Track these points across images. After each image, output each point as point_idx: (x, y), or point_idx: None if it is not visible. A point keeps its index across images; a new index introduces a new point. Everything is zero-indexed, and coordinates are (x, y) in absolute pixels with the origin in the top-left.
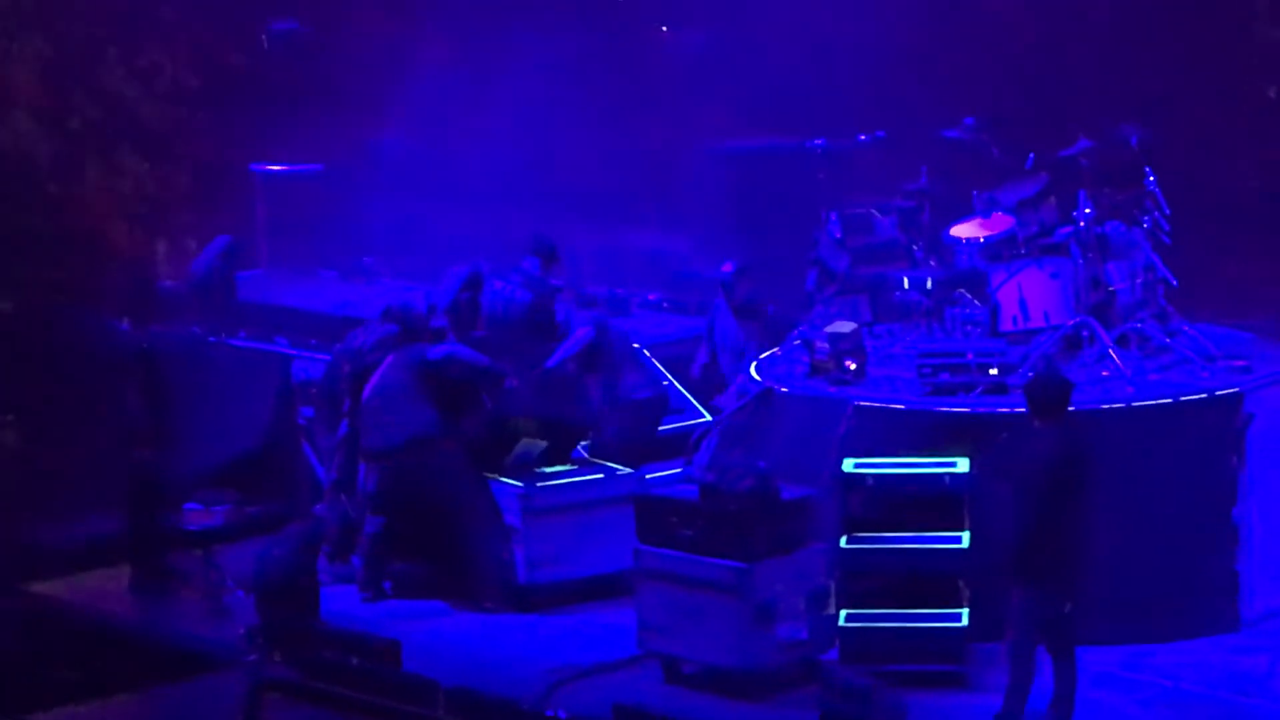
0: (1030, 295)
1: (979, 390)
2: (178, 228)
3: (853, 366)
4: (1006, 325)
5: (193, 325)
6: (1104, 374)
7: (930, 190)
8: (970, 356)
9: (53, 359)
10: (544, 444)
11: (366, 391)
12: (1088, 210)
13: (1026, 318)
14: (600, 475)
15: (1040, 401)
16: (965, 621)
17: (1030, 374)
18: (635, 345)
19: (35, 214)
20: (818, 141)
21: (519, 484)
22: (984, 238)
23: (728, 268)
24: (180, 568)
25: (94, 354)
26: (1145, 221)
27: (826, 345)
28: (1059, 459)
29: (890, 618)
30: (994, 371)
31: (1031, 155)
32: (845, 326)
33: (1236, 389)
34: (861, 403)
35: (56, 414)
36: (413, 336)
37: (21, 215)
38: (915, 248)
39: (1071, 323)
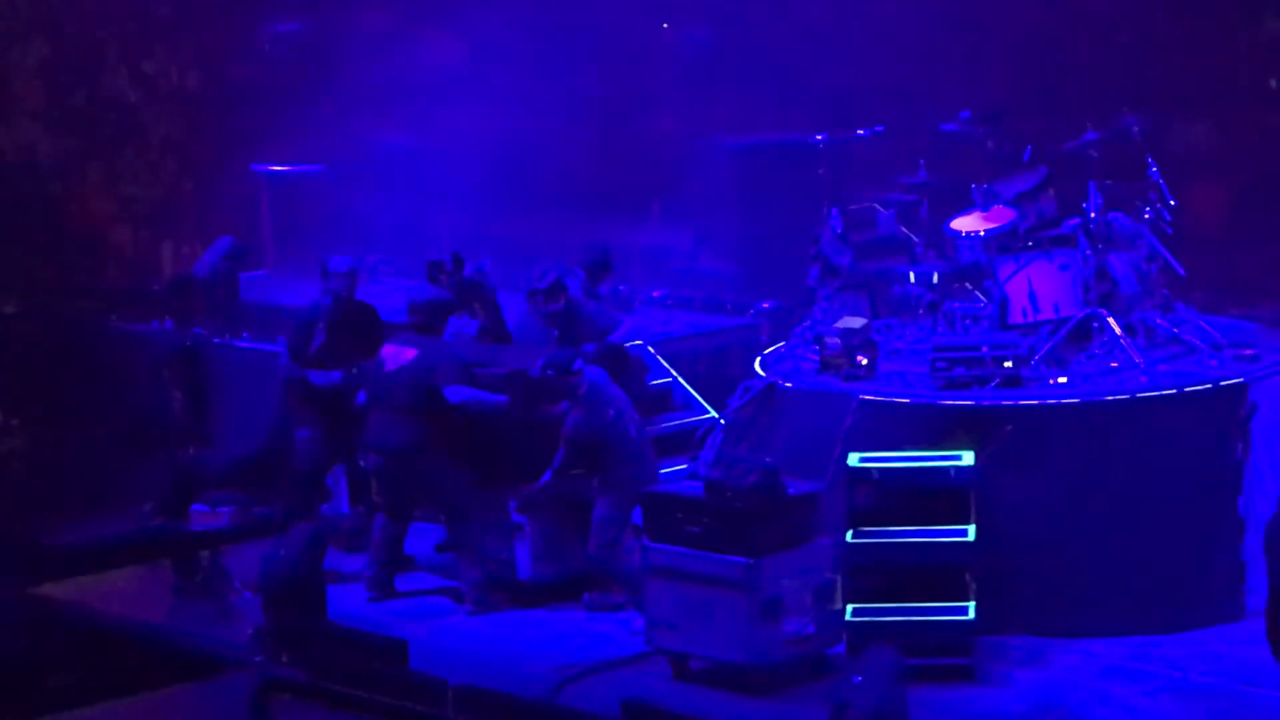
0: (1040, 287)
1: (994, 384)
2: (181, 229)
3: (865, 362)
4: (1016, 318)
5: (196, 326)
6: (1113, 365)
7: (928, 184)
8: (985, 350)
9: (57, 361)
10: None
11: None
12: (1097, 201)
13: (1036, 310)
14: None
15: None
16: (972, 615)
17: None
18: (638, 342)
19: (38, 217)
20: (818, 136)
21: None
22: (984, 231)
23: None
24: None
25: (98, 355)
26: (1148, 212)
27: (838, 341)
28: None
29: (897, 611)
30: (1009, 364)
31: (1029, 147)
32: (856, 322)
33: (1241, 378)
34: (866, 397)
35: (62, 416)
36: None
37: (24, 218)
38: (915, 241)
39: (1082, 314)
